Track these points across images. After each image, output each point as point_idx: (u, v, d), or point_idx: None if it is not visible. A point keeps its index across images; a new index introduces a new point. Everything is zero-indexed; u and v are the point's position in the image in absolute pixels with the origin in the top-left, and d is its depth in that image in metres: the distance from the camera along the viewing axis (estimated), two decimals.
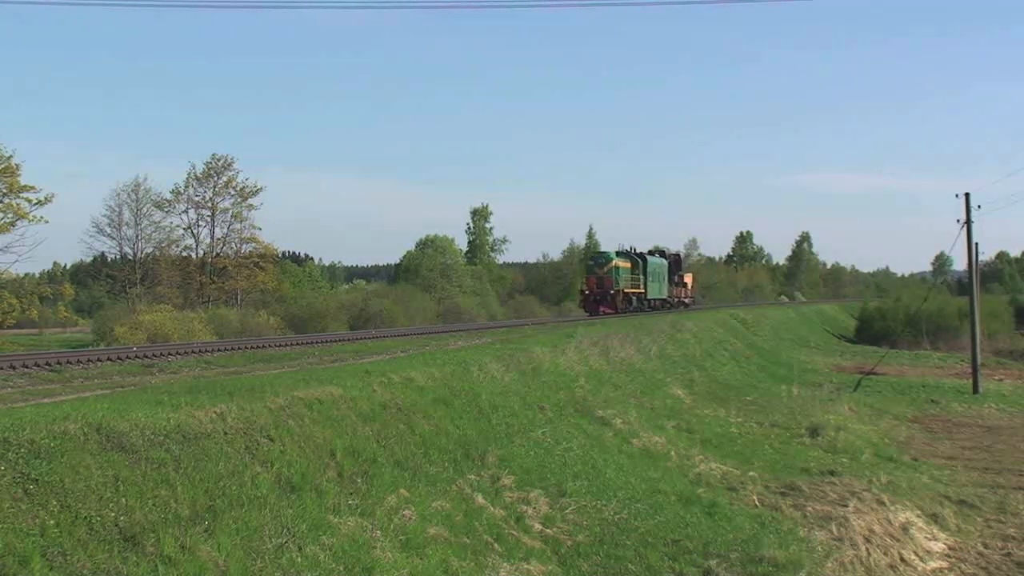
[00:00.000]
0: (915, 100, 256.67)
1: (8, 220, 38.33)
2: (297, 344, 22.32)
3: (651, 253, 57.68)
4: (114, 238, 51.05)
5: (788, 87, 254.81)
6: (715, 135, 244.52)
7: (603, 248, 67.59)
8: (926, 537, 15.05)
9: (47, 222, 39.84)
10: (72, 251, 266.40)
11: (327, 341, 23.66)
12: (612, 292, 46.41)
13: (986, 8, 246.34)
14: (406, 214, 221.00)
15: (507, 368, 19.39)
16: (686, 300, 64.26)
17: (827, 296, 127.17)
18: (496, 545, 11.24)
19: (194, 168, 52.48)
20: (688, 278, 66.64)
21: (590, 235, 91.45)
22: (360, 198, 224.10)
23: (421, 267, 72.86)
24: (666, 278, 57.39)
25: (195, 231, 52.88)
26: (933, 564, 14.11)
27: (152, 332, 35.74)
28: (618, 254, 50.32)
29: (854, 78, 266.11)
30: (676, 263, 62.32)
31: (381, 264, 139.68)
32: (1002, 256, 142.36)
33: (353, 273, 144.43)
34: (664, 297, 57.15)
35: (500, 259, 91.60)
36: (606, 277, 46.81)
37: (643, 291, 51.48)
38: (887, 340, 59.41)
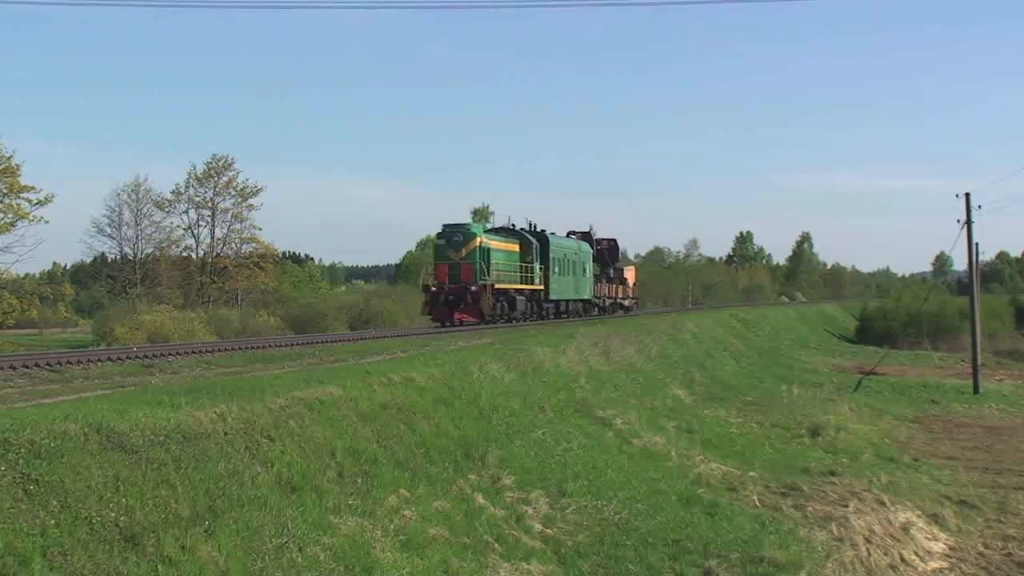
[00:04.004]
0: (915, 99, 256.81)
1: (8, 220, 38.38)
2: (297, 344, 22.30)
3: (571, 235, 43.34)
4: (114, 238, 51.11)
5: (788, 87, 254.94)
6: (715, 135, 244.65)
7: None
8: (926, 537, 15.05)
9: (47, 222, 39.93)
10: (72, 251, 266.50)
11: (327, 341, 23.64)
12: (474, 289, 30.51)
13: (987, 7, 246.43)
14: (407, 214, 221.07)
15: (507, 368, 19.39)
16: (625, 302, 50.15)
17: (827, 296, 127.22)
18: (496, 545, 11.24)
19: (194, 168, 52.58)
20: (629, 273, 52.49)
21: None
22: (360, 198, 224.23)
23: (422, 267, 72.86)
24: (587, 271, 42.38)
25: (195, 231, 52.96)
26: (933, 564, 14.10)
27: (152, 332, 35.75)
28: (492, 231, 35.22)
29: (854, 78, 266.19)
30: (610, 251, 47.73)
31: (381, 264, 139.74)
32: (1002, 256, 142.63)
33: (353, 273, 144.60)
34: (585, 298, 42.16)
35: None
36: (465, 264, 30.86)
37: (541, 287, 36.22)
38: (888, 340, 59.52)
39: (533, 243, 36.12)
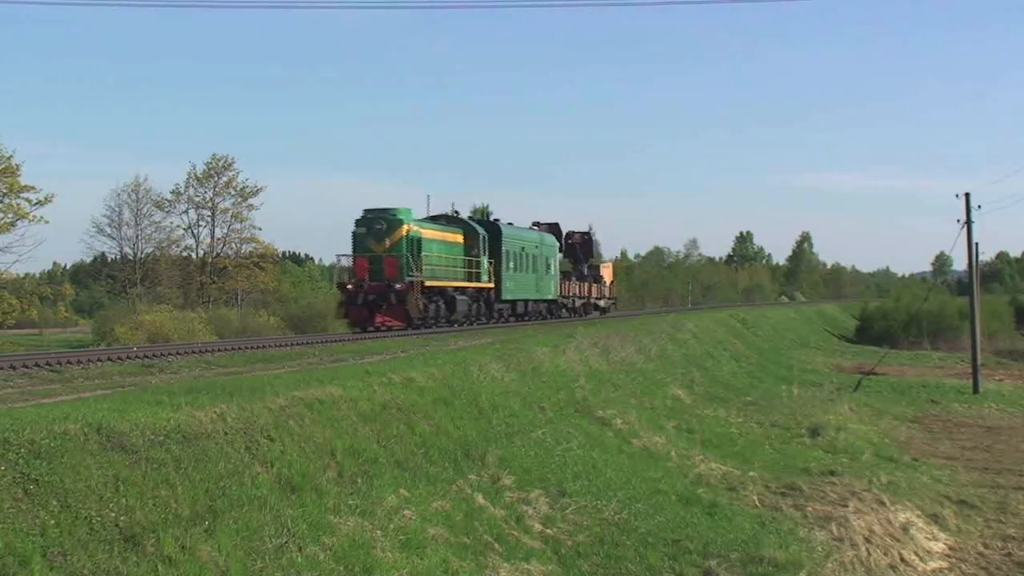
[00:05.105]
0: (915, 99, 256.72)
1: (8, 220, 38.54)
2: (297, 344, 22.30)
3: (536, 226, 38.89)
4: (114, 238, 51.36)
5: (789, 87, 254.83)
6: (715, 135, 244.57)
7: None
8: (926, 537, 15.07)
9: (47, 222, 40.18)
10: (72, 251, 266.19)
11: (327, 341, 23.62)
12: (399, 288, 25.91)
13: (987, 7, 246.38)
14: None
15: (507, 368, 19.40)
16: (600, 302, 45.47)
17: (827, 296, 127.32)
18: (496, 545, 11.24)
19: (194, 168, 52.75)
20: (606, 270, 47.67)
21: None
22: (360, 198, 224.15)
23: None
24: (552, 267, 37.88)
25: (195, 231, 53.16)
26: (933, 564, 14.12)
27: (152, 332, 35.85)
28: (428, 218, 30.55)
29: (854, 78, 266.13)
30: (583, 246, 43.98)
31: None
32: (1002, 256, 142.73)
33: None
34: (549, 298, 37.80)
35: None
36: (388, 257, 26.38)
37: (490, 285, 31.57)
38: (887, 340, 59.48)
39: (480, 233, 30.99)
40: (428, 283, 27.17)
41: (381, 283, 26.24)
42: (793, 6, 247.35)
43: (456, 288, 29.40)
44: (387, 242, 26.59)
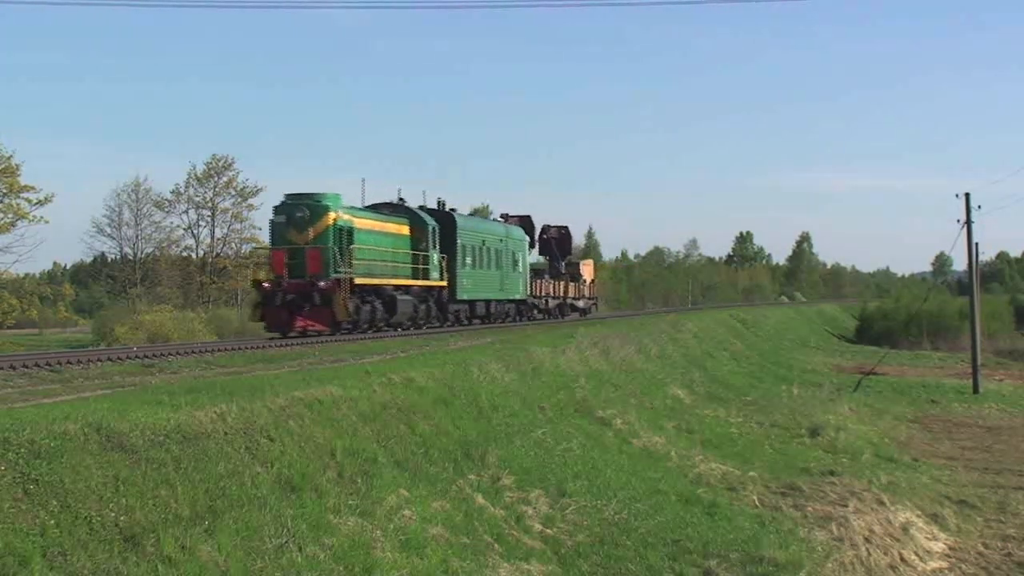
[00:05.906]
0: (915, 99, 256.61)
1: (8, 220, 38.60)
2: (297, 344, 22.25)
3: (505, 218, 36.14)
4: (114, 238, 51.48)
5: (788, 86, 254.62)
6: (715, 135, 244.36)
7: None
8: (926, 537, 15.07)
9: (47, 222, 40.26)
10: (72, 251, 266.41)
11: (327, 341, 23.60)
12: (323, 286, 22.35)
13: (988, 6, 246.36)
14: None
15: (507, 368, 19.40)
16: (579, 303, 41.91)
17: (827, 296, 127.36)
18: (496, 545, 11.24)
19: (194, 168, 52.78)
20: (586, 268, 43.84)
21: (589, 234, 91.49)
22: (360, 197, 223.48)
23: None
24: (520, 264, 34.27)
25: (195, 231, 53.19)
26: (933, 564, 14.12)
27: (152, 332, 35.88)
28: (366, 207, 27.04)
29: (855, 77, 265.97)
30: (560, 242, 40.36)
31: None
32: (1002, 256, 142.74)
33: None
34: (518, 298, 34.22)
35: None
36: (312, 250, 22.69)
37: (442, 283, 28.13)
38: (887, 340, 59.53)
39: (429, 224, 27.31)
40: (360, 280, 23.44)
41: (303, 280, 22.56)
42: (793, 6, 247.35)
43: (398, 287, 25.68)
44: (310, 232, 22.77)
